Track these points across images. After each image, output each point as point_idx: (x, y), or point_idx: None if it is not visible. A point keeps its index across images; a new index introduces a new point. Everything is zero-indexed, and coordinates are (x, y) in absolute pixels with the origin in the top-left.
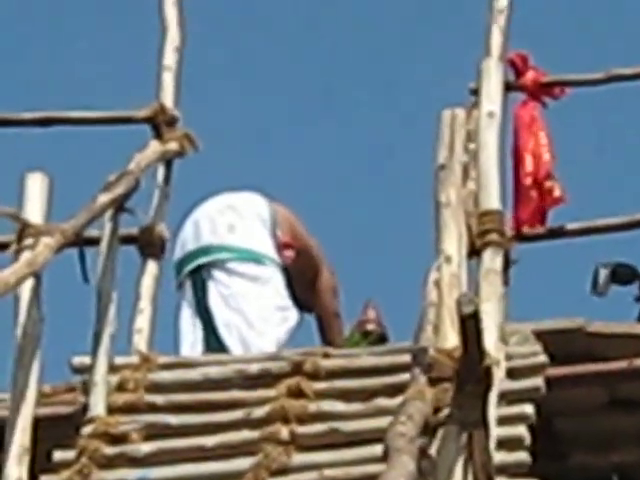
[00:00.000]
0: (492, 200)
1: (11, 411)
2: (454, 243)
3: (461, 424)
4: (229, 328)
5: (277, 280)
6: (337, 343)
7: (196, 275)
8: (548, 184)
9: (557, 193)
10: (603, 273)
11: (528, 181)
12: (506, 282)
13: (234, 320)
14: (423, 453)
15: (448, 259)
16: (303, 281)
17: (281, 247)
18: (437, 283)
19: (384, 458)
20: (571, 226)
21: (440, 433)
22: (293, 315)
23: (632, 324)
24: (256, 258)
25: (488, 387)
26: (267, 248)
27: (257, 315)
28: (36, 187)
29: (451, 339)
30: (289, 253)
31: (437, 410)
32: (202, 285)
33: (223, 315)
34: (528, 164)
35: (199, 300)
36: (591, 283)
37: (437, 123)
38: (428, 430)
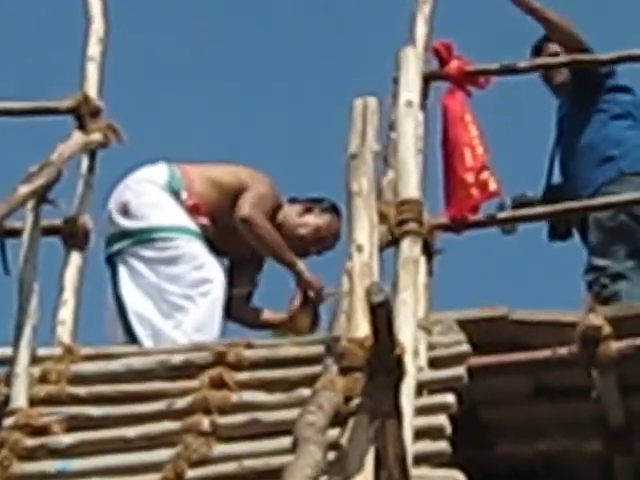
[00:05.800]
0: (410, 189)
1: None
2: (366, 232)
3: (372, 413)
4: (142, 321)
5: (191, 251)
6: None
7: (110, 265)
8: (483, 176)
9: (492, 186)
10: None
11: (470, 178)
12: (430, 272)
13: (148, 313)
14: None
15: (360, 248)
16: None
17: (191, 211)
18: (349, 272)
19: (293, 448)
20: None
21: (351, 423)
22: (216, 283)
23: (556, 312)
24: (159, 236)
25: (400, 377)
26: (171, 217)
27: (173, 305)
28: None
29: (363, 328)
30: (201, 219)
31: (348, 400)
32: (113, 274)
33: (135, 305)
34: (468, 159)
35: (112, 289)
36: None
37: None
38: (339, 420)
